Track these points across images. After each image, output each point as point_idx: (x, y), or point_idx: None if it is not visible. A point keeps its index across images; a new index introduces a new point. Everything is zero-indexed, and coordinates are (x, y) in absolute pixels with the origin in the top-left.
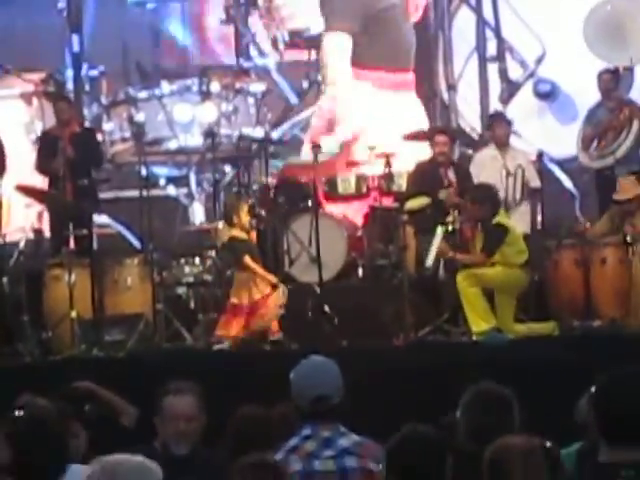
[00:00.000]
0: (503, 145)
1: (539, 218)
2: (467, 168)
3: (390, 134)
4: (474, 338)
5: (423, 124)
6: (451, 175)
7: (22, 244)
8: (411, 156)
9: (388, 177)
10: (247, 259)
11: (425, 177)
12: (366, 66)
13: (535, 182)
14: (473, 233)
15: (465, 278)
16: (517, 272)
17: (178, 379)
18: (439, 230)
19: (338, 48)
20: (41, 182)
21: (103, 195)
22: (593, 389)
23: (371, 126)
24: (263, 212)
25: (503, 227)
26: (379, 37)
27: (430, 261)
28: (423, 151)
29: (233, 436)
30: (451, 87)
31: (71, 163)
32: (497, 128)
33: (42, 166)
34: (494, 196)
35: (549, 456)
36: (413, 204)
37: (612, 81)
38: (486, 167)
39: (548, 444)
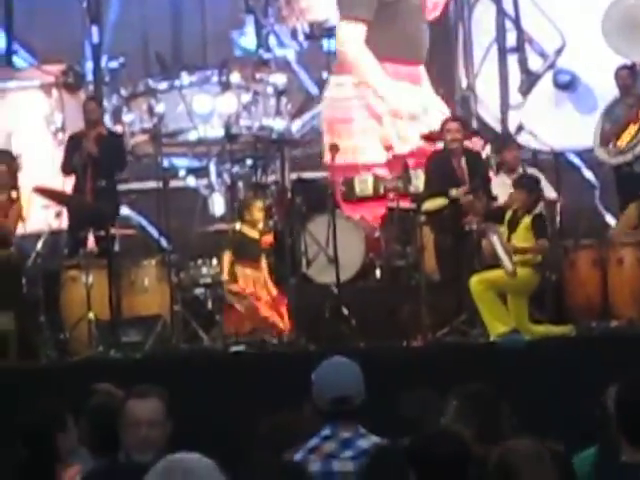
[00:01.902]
0: (513, 170)
1: (557, 225)
2: (480, 158)
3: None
4: (492, 339)
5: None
6: (463, 164)
7: (40, 245)
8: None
9: (405, 178)
10: (226, 255)
11: (438, 168)
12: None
13: (550, 193)
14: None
15: (479, 282)
16: (530, 273)
17: (195, 381)
18: (492, 235)
19: (352, 38)
20: (62, 180)
21: (123, 187)
22: (615, 389)
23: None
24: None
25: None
26: (389, 27)
27: (509, 264)
28: None
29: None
30: (471, 78)
31: (92, 162)
32: (507, 153)
33: (66, 167)
34: (539, 188)
35: (558, 460)
36: (430, 205)
37: (630, 77)
38: (497, 194)
39: (558, 448)
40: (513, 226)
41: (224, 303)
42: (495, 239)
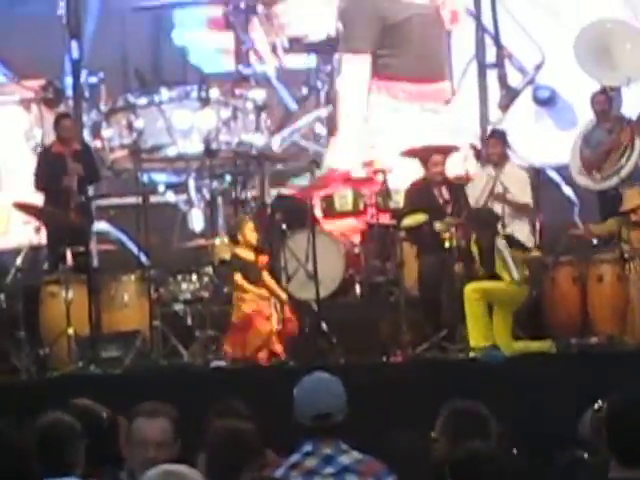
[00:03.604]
0: (497, 164)
1: (535, 236)
2: (462, 187)
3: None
4: (471, 355)
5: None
6: (445, 194)
7: (20, 260)
8: (410, 172)
9: (385, 194)
10: (237, 278)
11: (420, 197)
12: (391, 77)
13: (525, 199)
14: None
15: (474, 291)
16: (521, 288)
17: (175, 397)
18: (500, 244)
19: (354, 72)
20: (41, 197)
21: (103, 202)
22: (605, 407)
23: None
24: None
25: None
26: (404, 47)
27: (516, 274)
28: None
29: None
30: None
31: (78, 181)
32: (490, 147)
33: (43, 183)
34: (494, 222)
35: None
36: (410, 221)
37: (607, 102)
38: (476, 188)
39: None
40: (489, 256)
41: (229, 325)
42: (504, 248)
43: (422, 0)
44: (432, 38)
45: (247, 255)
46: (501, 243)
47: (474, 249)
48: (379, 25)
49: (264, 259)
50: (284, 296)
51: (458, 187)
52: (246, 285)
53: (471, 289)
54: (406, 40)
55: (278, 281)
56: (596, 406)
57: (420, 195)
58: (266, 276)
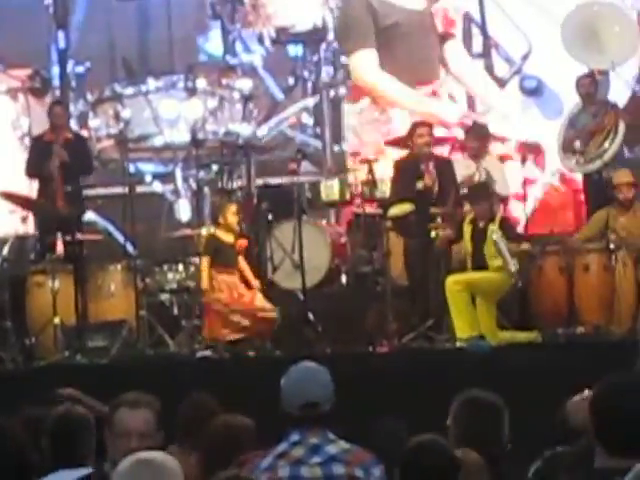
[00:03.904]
0: (476, 156)
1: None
2: (450, 163)
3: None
4: (458, 345)
5: None
6: (432, 170)
7: (6, 250)
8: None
9: (371, 183)
10: (204, 261)
11: (405, 175)
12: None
13: (504, 190)
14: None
15: (456, 282)
16: (504, 277)
17: (161, 387)
18: (495, 235)
19: (365, 63)
20: (28, 185)
21: (90, 192)
22: (591, 395)
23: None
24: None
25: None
26: (391, 49)
27: (513, 266)
28: None
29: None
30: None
31: (64, 168)
32: (470, 141)
33: (33, 170)
34: (491, 193)
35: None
36: (396, 210)
37: (592, 85)
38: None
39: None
40: (481, 238)
41: (203, 311)
42: (499, 239)
43: (416, 5)
44: (424, 42)
45: (226, 237)
46: (497, 235)
47: (467, 229)
48: (372, 28)
49: (243, 243)
50: (256, 284)
51: (446, 163)
52: (205, 272)
53: (452, 281)
54: (397, 43)
55: (255, 269)
56: (585, 395)
57: (407, 171)
58: (241, 261)
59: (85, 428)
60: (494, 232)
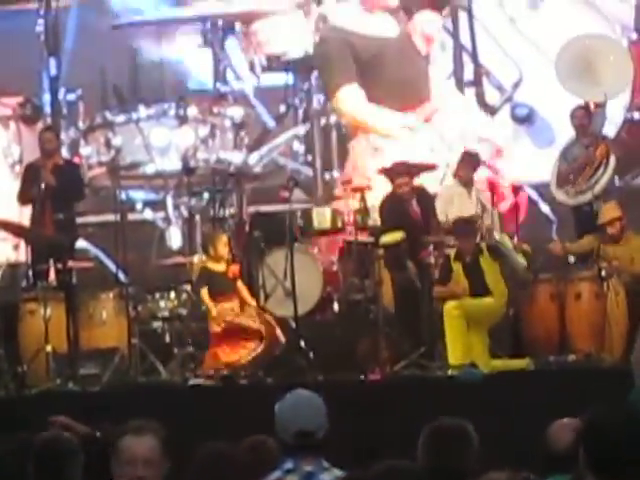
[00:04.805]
0: (467, 184)
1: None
2: (430, 197)
3: None
4: (450, 373)
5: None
6: (415, 207)
7: None
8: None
9: (363, 211)
10: (204, 292)
11: (393, 211)
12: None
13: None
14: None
15: (455, 307)
16: (502, 305)
17: (153, 415)
18: (506, 240)
19: (352, 99)
20: (19, 212)
21: (81, 220)
22: (582, 424)
23: None
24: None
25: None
26: (376, 80)
27: (521, 263)
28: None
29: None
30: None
31: (51, 193)
32: (461, 170)
33: (24, 196)
34: (475, 228)
35: None
36: (388, 239)
37: (586, 117)
38: (454, 204)
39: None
40: (478, 271)
41: (208, 340)
42: (504, 241)
43: (391, 32)
44: (408, 65)
45: (217, 267)
46: (500, 238)
47: (456, 267)
48: (353, 61)
49: (235, 269)
50: (253, 304)
51: (427, 199)
52: (208, 301)
53: (452, 306)
54: (381, 73)
55: (252, 290)
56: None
57: (393, 210)
58: (240, 285)
59: (71, 454)
60: (500, 238)
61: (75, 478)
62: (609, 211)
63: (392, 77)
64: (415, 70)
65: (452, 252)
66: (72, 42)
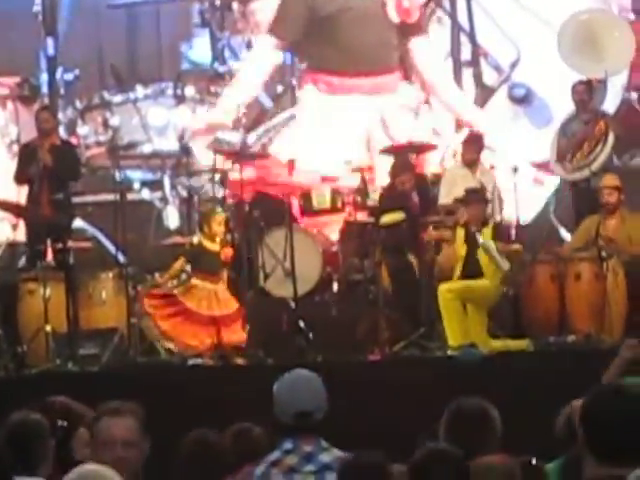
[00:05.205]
0: (470, 166)
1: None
2: (427, 182)
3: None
4: (449, 353)
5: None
6: (415, 197)
7: None
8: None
9: (363, 192)
10: (178, 262)
11: (393, 200)
12: (316, 70)
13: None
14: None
15: (449, 291)
16: (496, 285)
17: (152, 394)
18: (480, 237)
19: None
20: (18, 192)
21: (79, 199)
22: (581, 404)
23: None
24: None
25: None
26: (329, 40)
27: (505, 265)
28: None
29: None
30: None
31: (48, 173)
32: (466, 153)
33: (20, 175)
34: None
35: (532, 474)
36: (388, 219)
37: (586, 93)
38: (457, 184)
39: (533, 461)
40: (474, 242)
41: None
42: (488, 243)
43: None
44: (370, 31)
45: (211, 246)
46: (485, 240)
47: (459, 233)
48: (304, 18)
49: (228, 253)
50: (232, 306)
51: (424, 183)
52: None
53: (445, 289)
54: (336, 33)
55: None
56: (574, 404)
57: (393, 199)
58: (224, 275)
59: (39, 436)
60: (481, 235)
61: (44, 459)
62: (609, 179)
63: (348, 39)
64: (377, 37)
65: (461, 219)
66: (69, 22)
